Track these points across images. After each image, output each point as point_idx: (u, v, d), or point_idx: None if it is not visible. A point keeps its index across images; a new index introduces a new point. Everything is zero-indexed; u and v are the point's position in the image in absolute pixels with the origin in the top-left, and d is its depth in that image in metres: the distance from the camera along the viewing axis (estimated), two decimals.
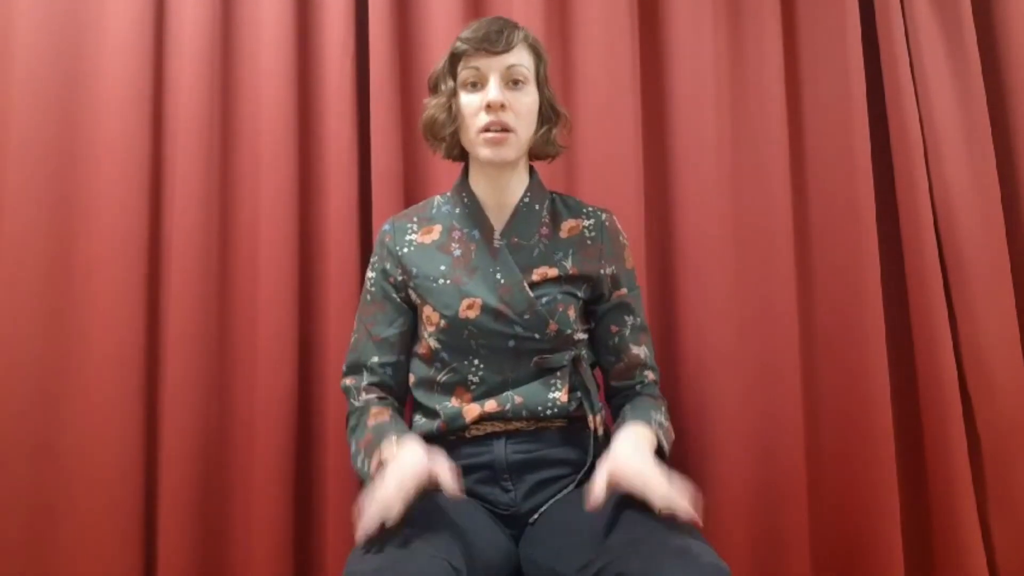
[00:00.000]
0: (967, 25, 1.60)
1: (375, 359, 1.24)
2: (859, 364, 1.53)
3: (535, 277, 1.20)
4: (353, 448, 1.19)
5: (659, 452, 1.14)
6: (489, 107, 1.13)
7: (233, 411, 1.50)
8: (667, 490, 0.94)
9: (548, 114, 1.22)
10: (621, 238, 1.30)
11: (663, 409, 1.23)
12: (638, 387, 1.27)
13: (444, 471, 0.99)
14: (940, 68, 1.59)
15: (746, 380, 1.53)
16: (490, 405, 1.17)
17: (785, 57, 1.61)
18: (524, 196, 1.24)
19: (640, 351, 1.27)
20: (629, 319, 1.27)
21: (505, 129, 1.15)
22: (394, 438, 1.09)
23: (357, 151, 1.54)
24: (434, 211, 1.28)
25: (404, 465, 0.99)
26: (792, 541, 1.49)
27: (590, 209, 1.29)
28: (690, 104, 1.59)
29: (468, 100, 1.16)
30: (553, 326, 1.18)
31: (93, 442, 1.43)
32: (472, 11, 1.57)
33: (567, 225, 1.26)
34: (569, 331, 1.20)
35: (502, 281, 1.19)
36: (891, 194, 1.62)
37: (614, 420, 1.25)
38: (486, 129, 1.14)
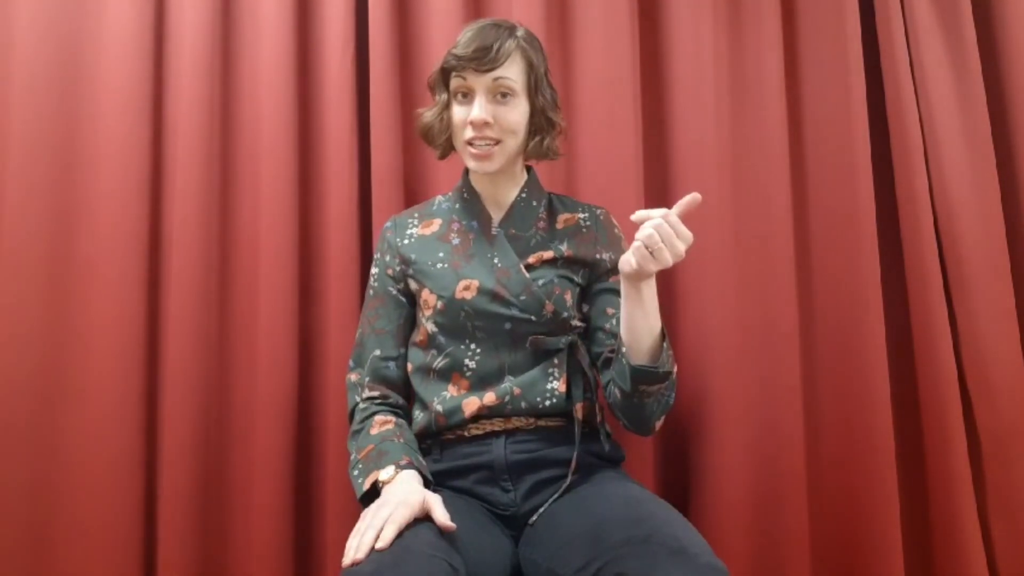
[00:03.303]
0: (967, 25, 1.60)
1: (377, 352, 1.26)
2: (859, 365, 1.53)
3: (531, 259, 1.24)
4: (353, 456, 1.18)
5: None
6: (473, 124, 1.17)
7: (233, 410, 1.50)
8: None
9: (540, 123, 1.23)
10: (616, 231, 1.33)
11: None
12: None
13: (439, 508, 1.00)
14: (940, 68, 1.59)
15: (746, 380, 1.53)
16: (489, 398, 1.18)
17: (785, 57, 1.61)
18: (521, 192, 1.28)
19: None
20: None
21: (491, 141, 1.19)
22: (392, 468, 1.08)
23: (357, 151, 1.54)
24: (435, 208, 1.33)
25: (400, 502, 0.98)
26: (792, 541, 1.48)
27: (585, 205, 1.34)
28: (690, 104, 1.59)
29: (458, 111, 1.20)
30: (549, 307, 1.20)
31: (93, 441, 1.43)
32: (472, 11, 1.57)
33: (563, 218, 1.30)
34: (566, 314, 1.21)
35: (499, 264, 1.22)
36: (891, 195, 1.61)
37: (606, 393, 1.22)
38: (471, 142, 1.19)
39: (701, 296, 1.54)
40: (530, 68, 1.20)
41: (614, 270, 1.27)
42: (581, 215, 1.31)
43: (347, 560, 0.91)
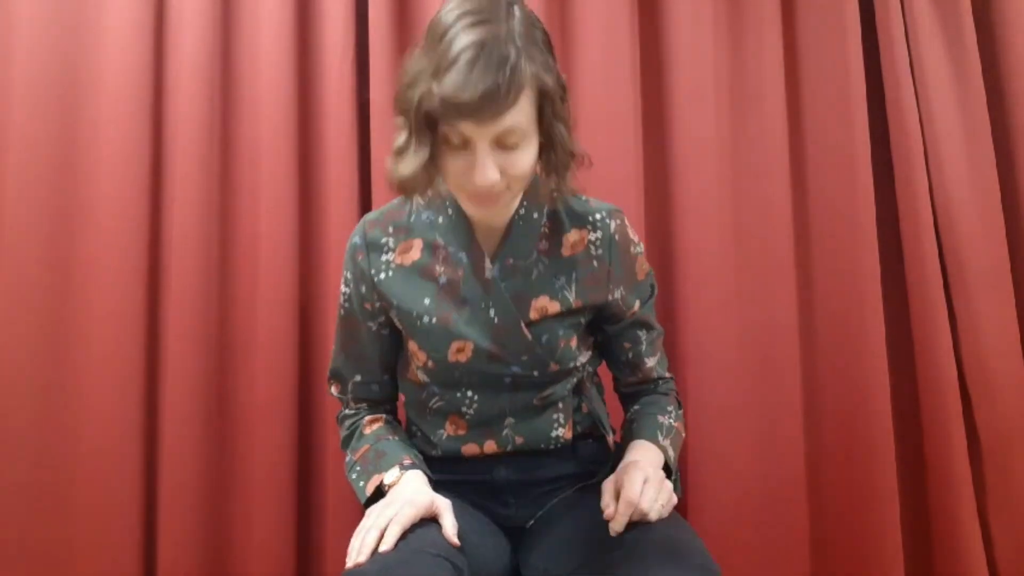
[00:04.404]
0: (967, 25, 1.60)
1: (357, 378, 1.18)
2: (859, 364, 1.53)
3: (533, 314, 1.06)
4: (348, 458, 1.16)
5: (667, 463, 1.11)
6: (477, 184, 0.92)
7: (233, 411, 1.50)
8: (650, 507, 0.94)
9: (557, 160, 0.96)
10: (633, 249, 1.13)
11: (671, 410, 1.18)
12: (651, 387, 1.22)
13: (449, 517, 0.98)
14: (940, 68, 1.59)
15: (746, 380, 1.53)
16: (489, 446, 1.12)
17: (785, 57, 1.61)
18: (519, 208, 1.07)
19: (653, 361, 1.20)
20: (643, 334, 1.18)
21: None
22: (397, 470, 1.05)
23: (357, 151, 1.54)
24: (412, 219, 1.09)
25: (407, 501, 0.96)
26: (792, 541, 1.49)
27: (598, 217, 1.09)
28: (690, 104, 1.59)
29: (453, 162, 0.93)
30: (555, 366, 1.08)
31: (93, 442, 1.43)
32: None
33: (570, 239, 1.09)
34: (572, 364, 1.10)
35: (496, 320, 1.05)
36: (891, 195, 1.61)
37: (624, 409, 1.23)
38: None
39: (701, 296, 1.54)
40: (543, 93, 0.91)
41: (629, 305, 1.14)
42: (592, 235, 1.08)
43: (350, 562, 0.91)
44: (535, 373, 1.08)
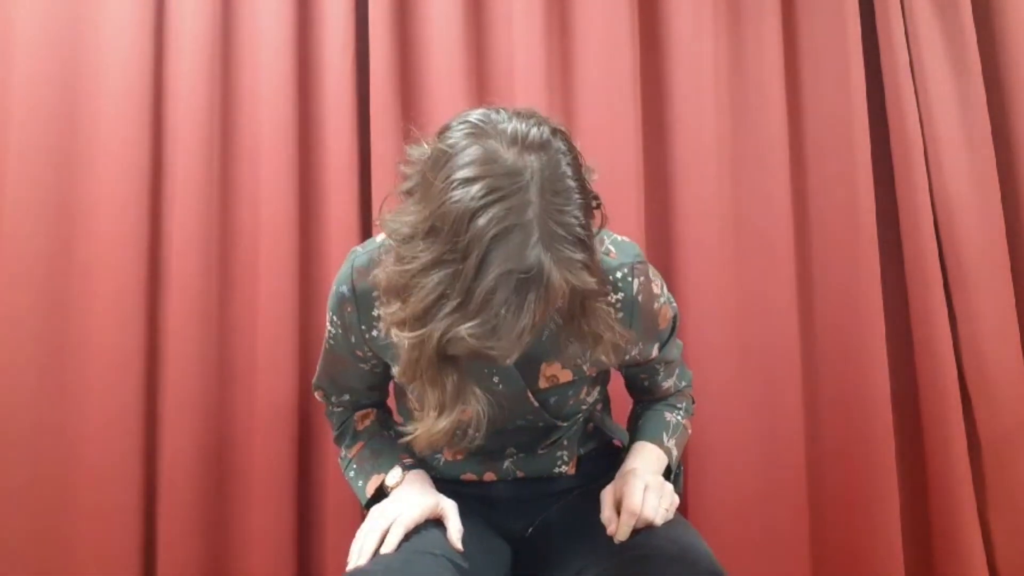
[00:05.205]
0: (967, 25, 1.60)
1: (345, 397, 1.17)
2: (859, 364, 1.53)
3: (543, 382, 1.01)
4: (343, 454, 1.15)
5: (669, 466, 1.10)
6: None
7: (233, 413, 1.49)
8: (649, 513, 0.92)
9: (592, 332, 0.87)
10: (656, 305, 1.02)
11: (681, 406, 1.16)
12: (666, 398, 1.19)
13: (455, 520, 0.96)
14: (940, 68, 1.59)
15: (746, 381, 1.53)
16: (488, 476, 1.11)
17: (785, 57, 1.61)
18: None
19: (670, 382, 1.16)
20: (660, 367, 1.13)
21: None
22: (399, 471, 1.04)
23: (357, 151, 1.54)
24: None
25: (411, 503, 0.95)
26: (792, 541, 1.49)
27: (619, 276, 0.97)
28: (690, 104, 1.59)
29: None
30: (562, 423, 1.07)
31: (93, 442, 1.43)
32: (472, 14, 1.57)
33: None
34: (580, 411, 1.08)
35: (500, 387, 1.01)
36: (891, 194, 1.62)
37: (634, 402, 1.21)
38: None
39: (701, 296, 1.54)
40: (575, 290, 0.77)
41: (647, 356, 1.07)
42: (612, 297, 0.97)
43: (350, 565, 0.90)
44: (540, 425, 1.07)
